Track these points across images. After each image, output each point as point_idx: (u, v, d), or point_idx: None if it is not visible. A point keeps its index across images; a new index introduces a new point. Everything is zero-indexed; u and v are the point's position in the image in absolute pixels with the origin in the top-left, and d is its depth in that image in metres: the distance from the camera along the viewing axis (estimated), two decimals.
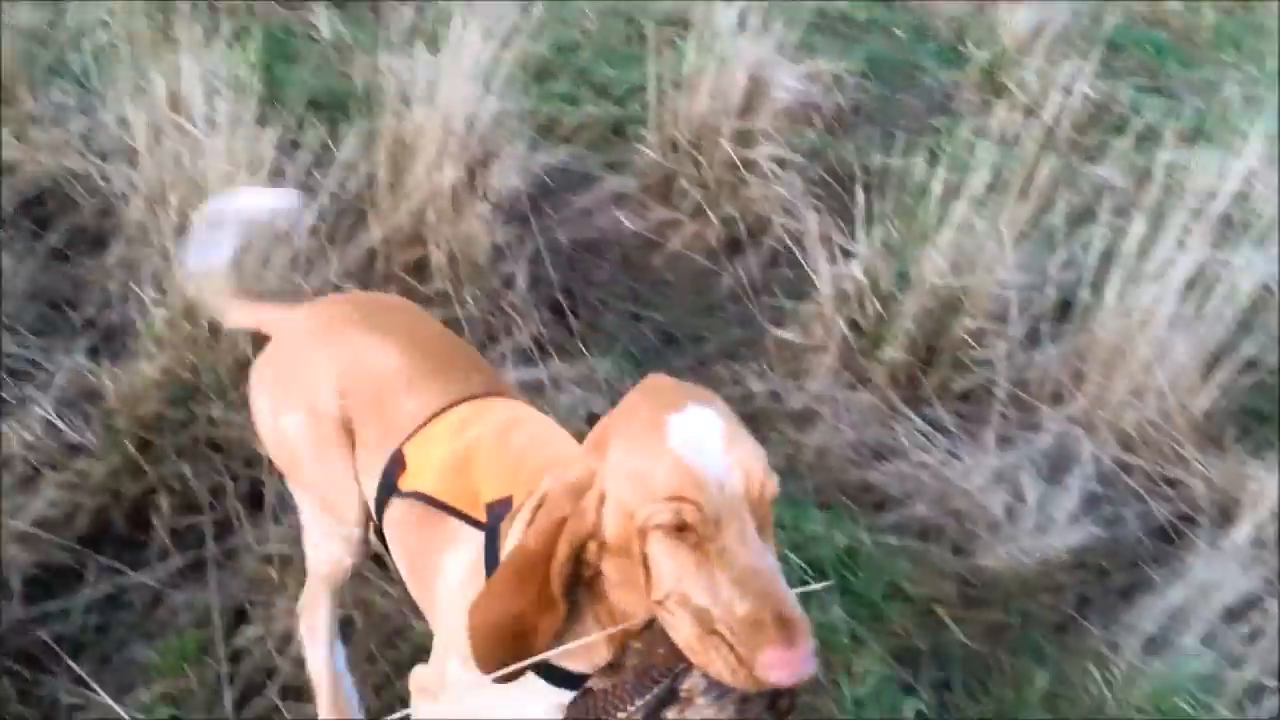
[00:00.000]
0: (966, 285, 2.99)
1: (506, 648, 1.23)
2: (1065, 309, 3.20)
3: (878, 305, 2.99)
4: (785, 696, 1.12)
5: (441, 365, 1.68)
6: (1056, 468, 2.82)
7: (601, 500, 1.19)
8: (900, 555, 2.58)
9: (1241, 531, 2.52)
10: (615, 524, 1.18)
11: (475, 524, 1.44)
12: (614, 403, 1.28)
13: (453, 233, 2.96)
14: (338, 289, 2.75)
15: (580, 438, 1.39)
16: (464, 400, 1.62)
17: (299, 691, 2.03)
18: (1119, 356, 2.91)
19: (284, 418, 1.72)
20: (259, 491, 2.33)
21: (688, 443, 1.15)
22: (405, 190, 2.94)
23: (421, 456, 1.57)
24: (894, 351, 2.97)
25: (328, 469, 1.69)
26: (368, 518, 1.71)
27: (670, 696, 1.14)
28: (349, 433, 1.68)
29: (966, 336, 2.98)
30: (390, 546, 1.65)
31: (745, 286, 3.47)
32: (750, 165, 3.66)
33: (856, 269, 3.04)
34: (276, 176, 2.79)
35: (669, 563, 1.14)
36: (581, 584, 1.25)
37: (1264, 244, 3.11)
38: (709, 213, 3.63)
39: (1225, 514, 2.65)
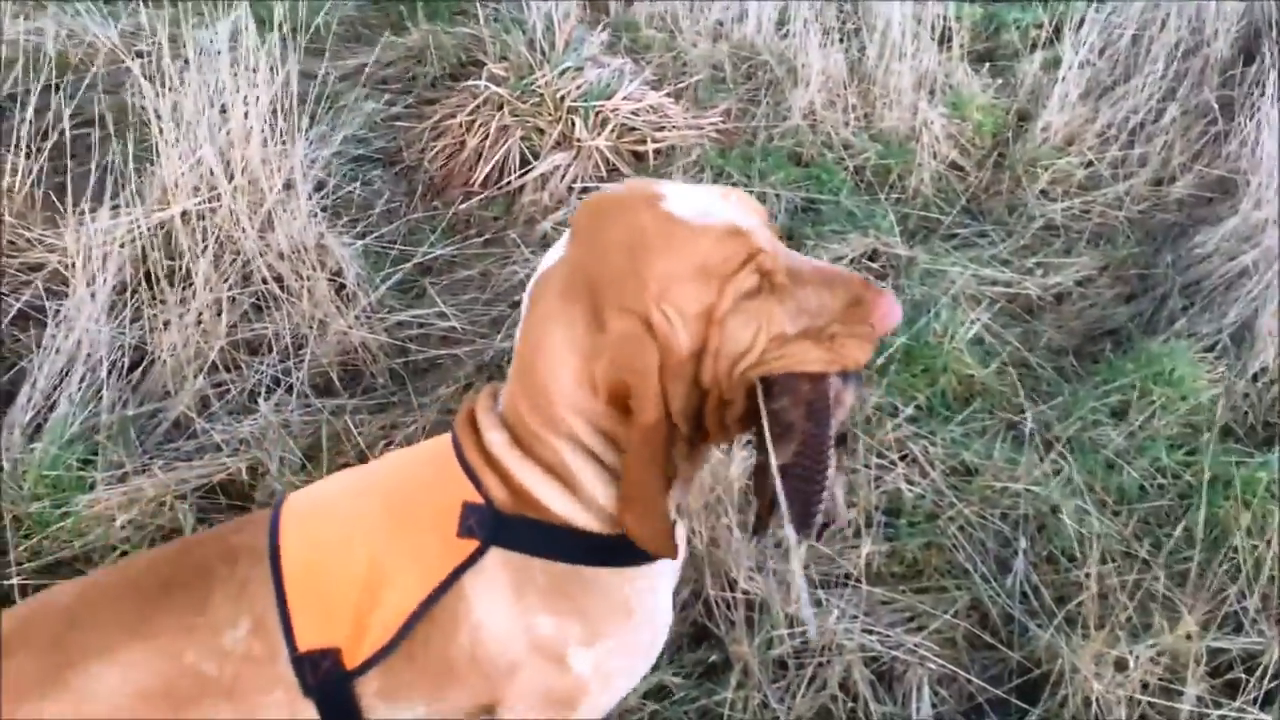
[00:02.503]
0: None
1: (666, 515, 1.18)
2: None
3: None
4: None
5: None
6: None
7: (670, 322, 1.13)
8: None
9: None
10: (685, 333, 1.13)
11: (469, 561, 1.19)
12: None
13: None
14: None
15: None
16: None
17: None
18: None
19: None
20: None
21: (705, 212, 1.14)
22: None
23: (339, 626, 1.20)
24: None
25: None
26: None
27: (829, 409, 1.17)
28: None
29: None
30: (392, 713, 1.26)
31: None
32: None
33: None
34: None
35: (755, 322, 1.13)
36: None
37: None
38: None
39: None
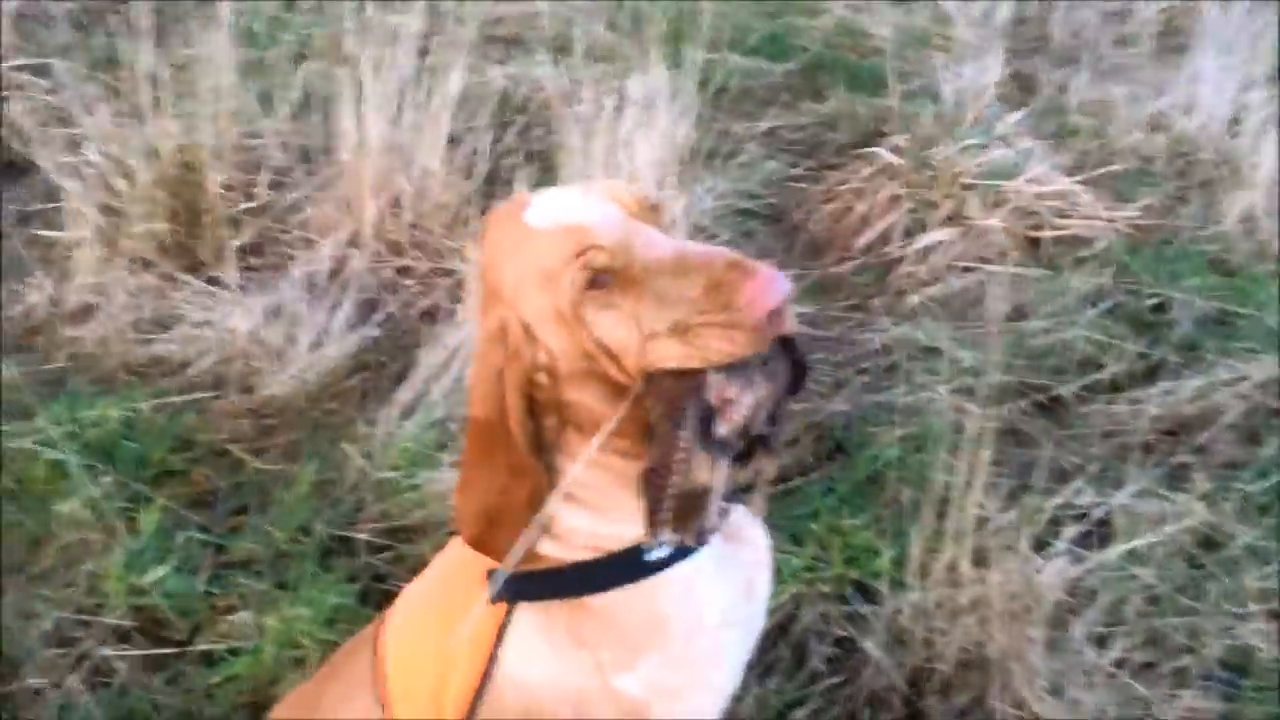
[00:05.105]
0: (205, 144, 3.04)
1: (504, 529, 1.15)
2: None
3: (125, 183, 2.96)
4: (785, 329, 1.07)
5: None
6: (331, 289, 3.00)
7: (527, 330, 1.11)
8: (186, 410, 2.64)
9: None
10: (554, 338, 1.11)
11: (504, 626, 1.23)
12: None
13: None
14: None
15: None
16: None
17: None
18: (365, 175, 3.11)
19: None
20: None
21: (551, 215, 1.11)
22: None
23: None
24: (153, 224, 2.96)
25: None
26: None
27: (708, 413, 1.07)
28: None
29: (222, 192, 3.04)
30: None
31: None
32: None
33: (92, 152, 2.97)
34: None
35: (614, 315, 1.08)
36: (550, 445, 1.17)
37: None
38: None
39: None
